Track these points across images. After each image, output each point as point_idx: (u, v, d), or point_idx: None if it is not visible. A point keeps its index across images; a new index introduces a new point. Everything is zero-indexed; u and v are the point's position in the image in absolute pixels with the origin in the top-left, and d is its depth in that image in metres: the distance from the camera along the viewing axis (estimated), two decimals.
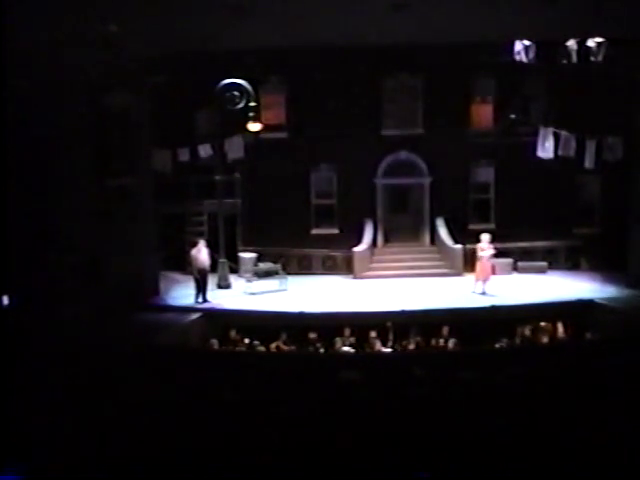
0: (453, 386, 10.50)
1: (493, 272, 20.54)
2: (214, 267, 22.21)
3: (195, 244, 20.27)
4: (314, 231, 24.64)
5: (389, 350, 16.63)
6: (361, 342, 17.05)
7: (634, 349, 12.54)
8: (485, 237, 20.45)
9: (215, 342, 16.74)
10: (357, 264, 22.82)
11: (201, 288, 19.60)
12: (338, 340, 16.89)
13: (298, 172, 24.25)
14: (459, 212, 24.21)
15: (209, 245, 20.48)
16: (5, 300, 12.98)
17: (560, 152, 21.50)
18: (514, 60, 21.74)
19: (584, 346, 15.72)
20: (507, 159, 23.82)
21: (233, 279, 21.89)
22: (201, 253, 19.89)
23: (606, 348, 14.05)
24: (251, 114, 20.92)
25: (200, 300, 19.50)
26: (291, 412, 9.03)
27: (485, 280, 20.13)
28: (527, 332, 17.03)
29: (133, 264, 18.58)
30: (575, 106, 22.32)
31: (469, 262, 22.08)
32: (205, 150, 22.29)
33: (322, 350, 16.63)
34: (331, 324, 17.64)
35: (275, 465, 7.56)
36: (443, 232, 23.56)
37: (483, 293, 19.99)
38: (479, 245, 20.33)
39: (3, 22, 13.27)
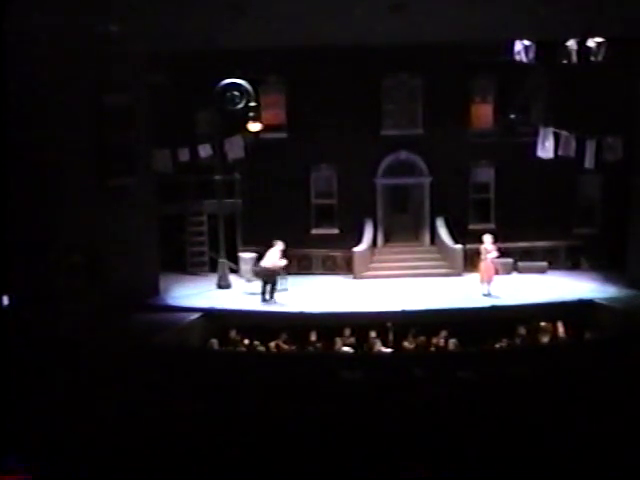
0: (453, 386, 10.50)
1: (496, 272, 20.54)
2: (214, 267, 22.27)
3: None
4: (314, 231, 24.64)
5: (389, 350, 16.63)
6: (361, 342, 17.05)
7: (634, 349, 12.54)
8: (488, 238, 20.43)
9: (215, 342, 16.74)
10: (357, 264, 22.82)
11: (268, 288, 19.68)
12: (338, 340, 16.89)
13: (298, 172, 24.25)
14: (459, 212, 24.22)
15: (210, 245, 20.45)
16: (5, 300, 12.99)
17: (560, 152, 21.48)
18: (514, 60, 21.73)
19: (584, 346, 15.71)
20: (507, 159, 23.83)
21: (233, 279, 21.89)
22: (269, 254, 19.94)
23: (606, 348, 14.05)
24: (251, 114, 20.93)
25: (267, 298, 19.58)
26: (291, 412, 9.03)
27: (489, 281, 20.12)
28: (527, 332, 17.02)
29: (133, 264, 18.57)
30: (575, 106, 22.32)
31: (469, 262, 22.12)
32: (205, 150, 22.26)
33: (322, 350, 16.62)
34: (331, 324, 17.64)
35: (275, 465, 7.56)
36: (443, 232, 23.56)
37: (488, 294, 19.97)
38: (483, 246, 20.30)
39: (3, 22, 13.28)
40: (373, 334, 16.99)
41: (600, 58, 20.91)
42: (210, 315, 18.78)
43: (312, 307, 19.08)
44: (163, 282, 21.07)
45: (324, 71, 23.14)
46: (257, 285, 21.03)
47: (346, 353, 16.28)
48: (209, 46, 18.86)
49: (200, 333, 18.07)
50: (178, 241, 23.53)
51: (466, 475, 7.37)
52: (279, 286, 20.24)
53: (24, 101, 14.55)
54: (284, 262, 20.22)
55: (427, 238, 24.70)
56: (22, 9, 14.24)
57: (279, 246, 20.15)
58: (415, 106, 24.46)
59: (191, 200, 23.74)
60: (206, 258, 23.65)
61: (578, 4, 17.54)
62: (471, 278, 21.37)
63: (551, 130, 21.61)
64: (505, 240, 22.35)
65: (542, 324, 17.23)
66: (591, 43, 20.86)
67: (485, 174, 24.66)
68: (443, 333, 16.85)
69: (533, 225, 23.52)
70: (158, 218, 21.15)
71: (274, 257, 19.96)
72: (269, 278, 19.84)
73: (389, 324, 17.26)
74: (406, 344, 16.80)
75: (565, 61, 21.41)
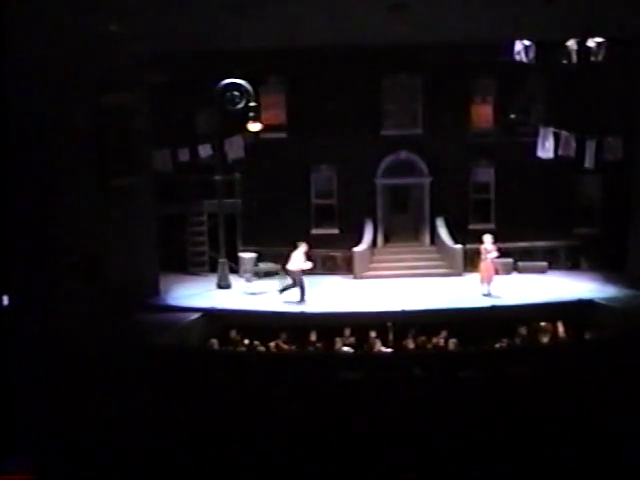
0: (453, 386, 10.51)
1: (496, 272, 20.53)
2: (214, 267, 22.27)
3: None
4: (314, 231, 24.62)
5: (389, 350, 16.63)
6: (361, 342, 17.05)
7: (634, 349, 12.54)
8: (488, 238, 20.42)
9: (215, 342, 16.74)
10: (357, 264, 22.81)
11: (299, 290, 19.62)
12: (338, 340, 16.89)
13: (298, 172, 24.24)
14: (459, 212, 24.21)
15: (210, 245, 20.33)
16: (5, 300, 12.96)
17: (560, 152, 21.51)
18: (514, 60, 21.75)
19: (584, 346, 15.72)
20: (507, 159, 23.81)
21: (233, 279, 21.89)
22: (294, 256, 19.84)
23: (606, 348, 14.05)
24: (251, 114, 20.90)
25: (300, 300, 19.52)
26: (291, 412, 9.03)
27: (489, 281, 20.12)
28: (527, 332, 17.02)
29: (133, 264, 18.57)
30: (575, 106, 22.33)
31: (469, 262, 22.12)
32: (205, 150, 22.28)
33: (322, 350, 16.62)
34: (331, 324, 17.65)
35: (275, 464, 7.56)
36: (443, 232, 23.55)
37: (488, 294, 19.97)
38: (483, 246, 20.30)
39: (3, 22, 13.26)
40: (373, 334, 16.98)
41: (600, 58, 20.92)
42: (210, 315, 18.79)
43: (312, 307, 19.08)
44: (163, 282, 21.08)
45: (324, 71, 23.13)
46: (257, 285, 21.04)
47: (346, 353, 16.27)
48: (209, 46, 18.85)
49: (200, 333, 18.07)
50: (178, 241, 23.53)
51: (466, 475, 7.37)
52: (281, 286, 20.20)
53: (24, 101, 14.53)
54: (309, 265, 20.13)
55: (427, 238, 24.69)
56: (22, 9, 14.23)
57: (302, 248, 20.05)
58: (415, 106, 24.45)
59: (191, 200, 23.74)
60: (206, 258, 23.66)
61: (578, 4, 17.54)
62: (471, 278, 21.37)
63: (551, 130, 21.64)
64: (505, 240, 22.33)
65: (542, 324, 17.23)
66: (591, 43, 20.88)
67: (485, 174, 24.63)
68: (443, 333, 16.85)
69: (533, 225, 23.50)
70: (158, 218, 21.16)
71: (299, 260, 19.88)
72: (296, 277, 19.77)
73: (389, 324, 17.26)
74: (406, 344, 16.80)
75: (565, 61, 21.42)
